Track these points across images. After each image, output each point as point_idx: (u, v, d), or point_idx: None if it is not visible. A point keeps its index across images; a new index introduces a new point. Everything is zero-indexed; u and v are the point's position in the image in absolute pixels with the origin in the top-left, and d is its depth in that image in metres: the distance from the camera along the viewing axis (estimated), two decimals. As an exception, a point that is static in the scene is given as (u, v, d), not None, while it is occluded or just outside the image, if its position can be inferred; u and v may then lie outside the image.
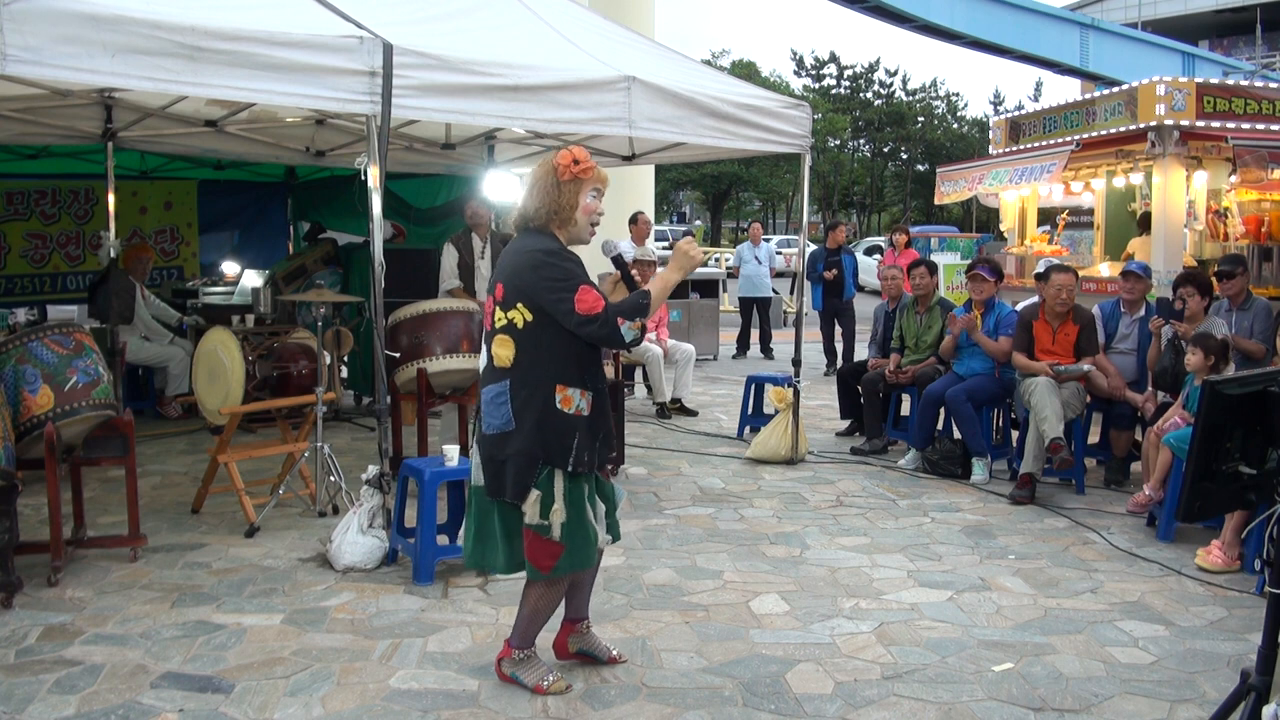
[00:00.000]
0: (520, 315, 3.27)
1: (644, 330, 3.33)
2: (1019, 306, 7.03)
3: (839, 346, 11.33)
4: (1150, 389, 6.18)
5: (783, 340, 12.94)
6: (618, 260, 3.56)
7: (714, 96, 5.99)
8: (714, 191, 48.99)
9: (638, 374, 9.14)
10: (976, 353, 6.76)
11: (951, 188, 12.04)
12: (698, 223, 52.69)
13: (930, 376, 6.98)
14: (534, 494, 3.28)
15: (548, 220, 3.35)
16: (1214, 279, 6.43)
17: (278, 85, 4.26)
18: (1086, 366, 6.22)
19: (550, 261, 3.25)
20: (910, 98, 50.71)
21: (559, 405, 3.28)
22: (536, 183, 3.36)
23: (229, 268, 10.11)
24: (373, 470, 4.75)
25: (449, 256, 6.82)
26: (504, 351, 3.30)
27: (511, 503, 3.33)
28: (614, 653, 3.72)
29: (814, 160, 7.11)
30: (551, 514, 3.28)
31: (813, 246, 11.82)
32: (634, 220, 10.12)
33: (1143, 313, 6.54)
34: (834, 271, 11.16)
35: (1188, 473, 2.66)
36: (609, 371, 6.35)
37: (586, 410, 3.34)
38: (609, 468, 3.50)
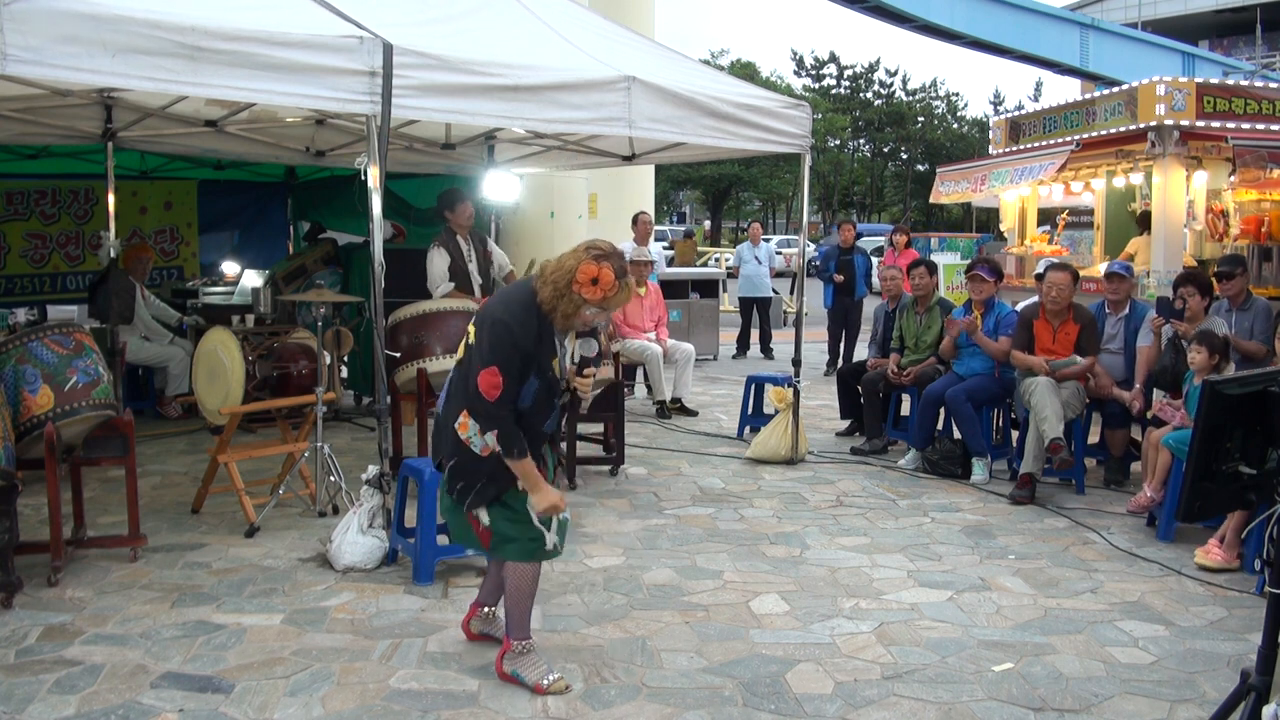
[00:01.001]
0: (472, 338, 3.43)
1: (496, 449, 3.37)
2: (1019, 306, 7.03)
3: (844, 348, 11.32)
4: (1138, 386, 6.19)
5: (783, 340, 12.94)
6: (584, 361, 3.55)
7: (714, 96, 5.99)
8: (714, 191, 49.01)
9: (638, 374, 9.14)
10: (976, 353, 6.76)
11: (951, 188, 12.04)
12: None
13: (930, 376, 6.98)
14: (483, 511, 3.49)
15: (550, 306, 3.37)
16: (1214, 279, 6.43)
17: (278, 85, 4.26)
18: (1079, 359, 6.22)
19: (498, 322, 3.32)
20: (910, 98, 50.75)
21: (462, 438, 3.45)
22: (560, 269, 3.36)
23: (229, 268, 10.11)
24: (373, 470, 4.75)
25: (440, 260, 6.57)
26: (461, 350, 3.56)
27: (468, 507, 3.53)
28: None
29: (814, 160, 7.11)
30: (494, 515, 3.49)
31: (812, 246, 11.82)
32: (635, 221, 10.16)
33: (1127, 311, 6.56)
34: (841, 278, 11.16)
35: (1188, 473, 2.66)
36: (608, 372, 6.34)
37: (483, 451, 3.42)
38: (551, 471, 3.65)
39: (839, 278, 11.15)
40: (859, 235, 12.11)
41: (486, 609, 3.89)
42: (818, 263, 12.66)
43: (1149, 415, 5.87)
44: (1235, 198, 9.66)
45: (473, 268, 6.68)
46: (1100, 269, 10.03)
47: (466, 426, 3.38)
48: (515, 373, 3.31)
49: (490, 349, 3.30)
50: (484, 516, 3.48)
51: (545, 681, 3.49)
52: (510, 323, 3.32)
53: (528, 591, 3.57)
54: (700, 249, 25.22)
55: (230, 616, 4.14)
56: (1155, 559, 5.03)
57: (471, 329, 3.44)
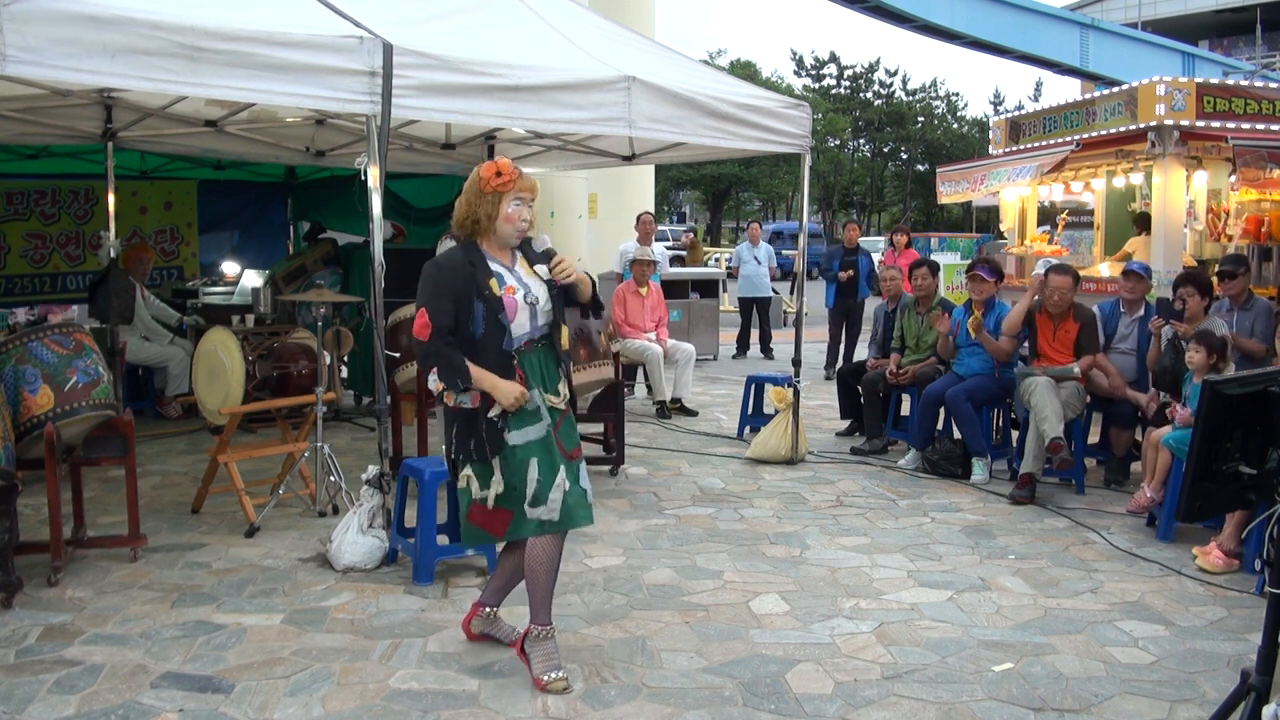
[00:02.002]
0: None
1: (447, 390, 3.48)
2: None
3: (844, 348, 11.32)
4: (1153, 389, 6.18)
5: (783, 340, 12.94)
6: (548, 254, 3.67)
7: (714, 96, 5.99)
8: (714, 191, 49.03)
9: (638, 374, 9.14)
10: (976, 352, 6.76)
11: (952, 188, 12.04)
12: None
13: (930, 376, 6.98)
14: (468, 470, 3.52)
15: (472, 228, 3.57)
16: (1215, 279, 6.43)
17: (278, 85, 4.26)
18: (1076, 369, 6.23)
19: (424, 271, 3.55)
20: (910, 98, 50.73)
21: (444, 399, 3.60)
22: (466, 190, 3.59)
23: (229, 268, 10.11)
24: (373, 470, 4.75)
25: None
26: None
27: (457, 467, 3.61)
28: (547, 679, 3.54)
29: (814, 160, 7.11)
30: (491, 483, 3.49)
31: (812, 246, 11.83)
32: (638, 221, 10.19)
33: (1142, 312, 6.55)
34: (850, 273, 11.16)
35: (1188, 473, 2.66)
36: (608, 372, 6.34)
37: (468, 404, 3.51)
38: (570, 449, 3.60)
39: (845, 274, 11.14)
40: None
41: (488, 609, 3.88)
42: (820, 262, 12.66)
43: (1168, 415, 5.79)
44: (1235, 198, 9.67)
45: None
46: (1100, 269, 10.05)
47: (441, 386, 3.50)
48: (448, 307, 3.46)
49: (419, 295, 3.51)
50: (473, 484, 3.48)
51: (546, 677, 3.50)
52: (432, 266, 3.55)
53: (541, 571, 3.54)
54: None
55: (230, 616, 4.14)
56: (1155, 559, 5.03)
57: None
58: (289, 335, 6.72)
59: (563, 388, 3.64)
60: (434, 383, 3.50)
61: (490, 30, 5.44)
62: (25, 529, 4.79)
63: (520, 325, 3.53)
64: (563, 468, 3.51)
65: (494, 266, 3.54)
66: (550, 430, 3.53)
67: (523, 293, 3.53)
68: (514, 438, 3.47)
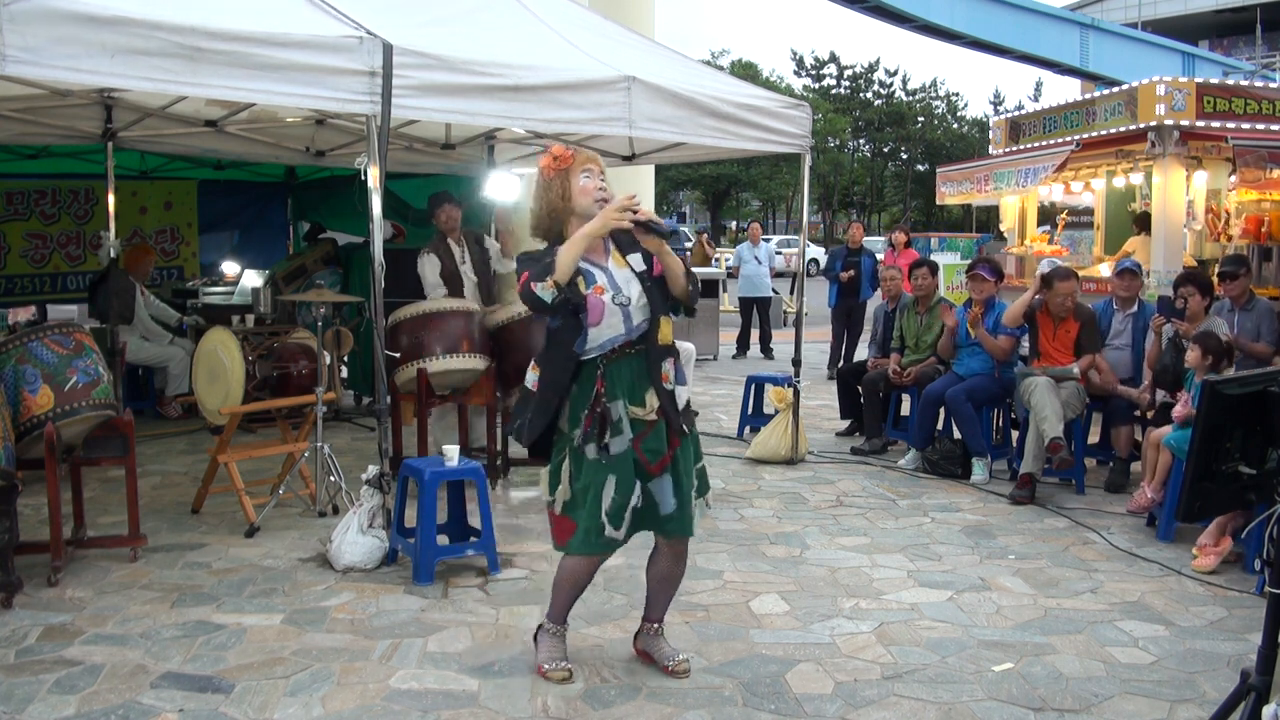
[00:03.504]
0: None
1: (559, 289, 3.24)
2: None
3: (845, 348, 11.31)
4: (1146, 383, 6.19)
5: (783, 340, 12.94)
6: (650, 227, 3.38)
7: (714, 96, 5.99)
8: (714, 192, 49.03)
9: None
10: (976, 352, 6.76)
11: (953, 189, 12.04)
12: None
13: (930, 376, 6.98)
14: (544, 471, 3.45)
15: (551, 222, 3.43)
16: (1216, 279, 6.43)
17: (278, 85, 4.26)
18: (1076, 370, 6.23)
19: (522, 260, 3.42)
20: (910, 98, 50.76)
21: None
22: (531, 191, 3.51)
23: (229, 268, 10.10)
24: (373, 470, 4.75)
25: (429, 267, 6.47)
26: None
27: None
28: (672, 663, 3.62)
29: (814, 160, 7.11)
30: (557, 492, 3.40)
31: (812, 246, 11.84)
32: None
33: (1135, 308, 6.57)
34: (850, 273, 11.16)
35: (1188, 473, 2.66)
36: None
37: (530, 385, 3.47)
38: (653, 462, 3.41)
39: (846, 274, 11.14)
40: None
41: (652, 624, 3.72)
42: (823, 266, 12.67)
43: (1173, 412, 5.78)
44: (1235, 198, 9.66)
45: (465, 269, 6.63)
46: (1100, 270, 10.05)
47: (529, 370, 3.48)
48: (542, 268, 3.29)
49: (519, 268, 3.36)
50: (544, 482, 3.42)
51: (548, 666, 3.55)
52: (525, 255, 3.42)
53: (568, 589, 3.56)
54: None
55: (230, 616, 4.14)
56: (1155, 559, 5.03)
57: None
58: (289, 335, 6.71)
59: (651, 398, 3.39)
60: (547, 290, 3.22)
61: (490, 31, 5.43)
62: (25, 529, 4.79)
63: (605, 331, 3.32)
64: (638, 485, 3.37)
65: (582, 264, 3.33)
66: (630, 445, 3.36)
67: (611, 294, 3.33)
68: (590, 451, 3.33)
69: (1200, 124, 8.86)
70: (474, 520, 4.80)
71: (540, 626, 3.69)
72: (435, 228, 6.71)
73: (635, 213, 3.26)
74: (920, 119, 50.20)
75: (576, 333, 3.32)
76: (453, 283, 6.50)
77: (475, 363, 5.96)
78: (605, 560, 3.54)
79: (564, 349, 3.34)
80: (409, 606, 4.26)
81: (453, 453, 4.72)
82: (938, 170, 13.07)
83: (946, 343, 6.94)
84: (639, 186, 13.68)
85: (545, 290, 3.23)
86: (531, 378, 3.46)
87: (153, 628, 4.00)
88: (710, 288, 13.11)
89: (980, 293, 6.85)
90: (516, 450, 6.67)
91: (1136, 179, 10.44)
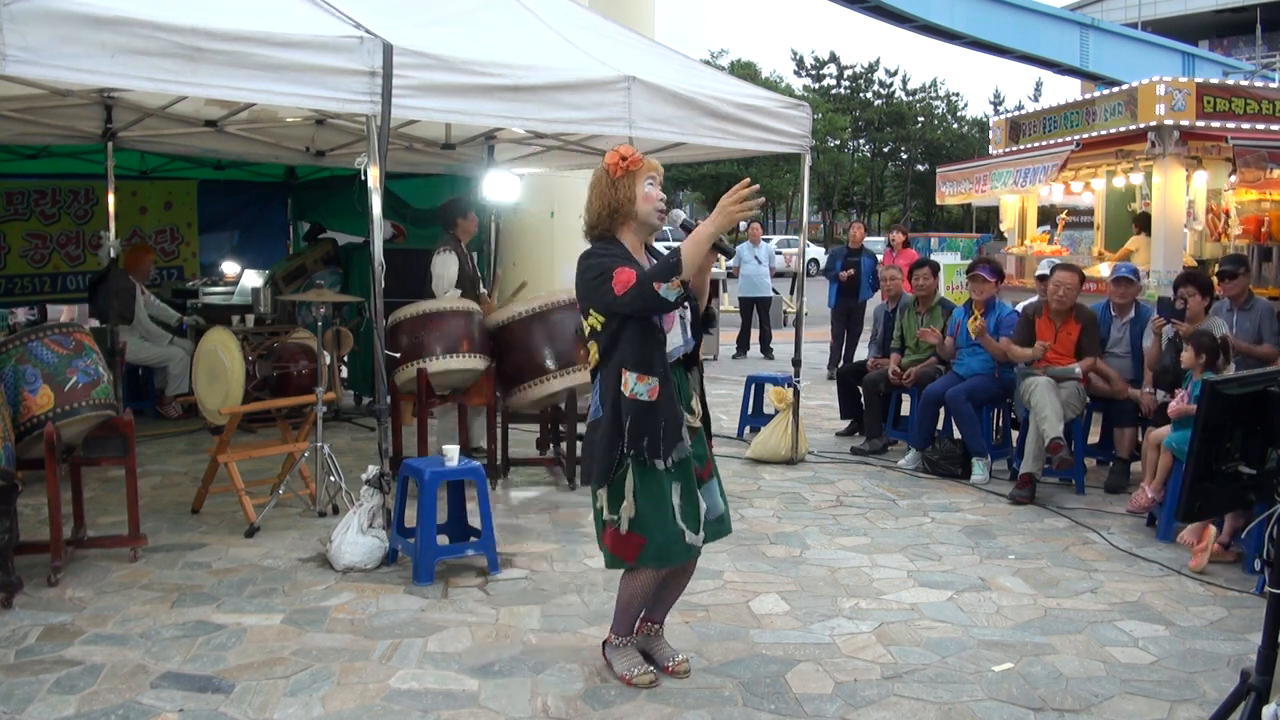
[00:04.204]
0: (595, 320, 3.36)
1: (686, 286, 3.22)
2: (1020, 306, 7.03)
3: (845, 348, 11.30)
4: (1148, 387, 6.18)
5: (783, 340, 12.94)
6: (686, 226, 3.44)
7: (714, 96, 5.99)
8: (714, 192, 48.99)
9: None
10: (976, 352, 6.76)
11: (953, 189, 12.05)
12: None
13: (930, 376, 6.98)
14: (603, 490, 3.36)
15: (610, 221, 3.38)
16: (1215, 279, 6.42)
17: (278, 85, 4.26)
18: (1078, 369, 6.23)
19: (588, 264, 3.31)
20: (910, 98, 50.76)
21: (622, 389, 3.30)
22: (593, 188, 3.42)
23: (229, 268, 10.10)
24: (373, 470, 4.75)
25: (452, 266, 6.50)
26: (594, 352, 3.41)
27: (594, 486, 3.43)
28: (672, 663, 3.64)
29: (814, 160, 7.11)
30: (621, 509, 3.33)
31: (812, 246, 11.84)
32: None
33: (1133, 315, 6.55)
34: (850, 272, 11.16)
35: (1188, 473, 2.66)
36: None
37: (646, 396, 3.28)
38: (700, 467, 3.44)
39: (846, 274, 11.13)
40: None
41: (653, 624, 3.73)
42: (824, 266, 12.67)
43: (1169, 408, 5.78)
44: (1235, 198, 9.67)
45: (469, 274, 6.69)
46: (1100, 269, 10.05)
47: (628, 382, 3.28)
48: (631, 263, 3.24)
49: (597, 275, 3.24)
50: (628, 488, 3.28)
51: (631, 673, 3.54)
52: (588, 252, 3.33)
53: (643, 596, 3.53)
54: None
55: (230, 616, 4.14)
56: (1155, 559, 5.03)
57: (577, 302, 3.42)
58: (289, 335, 6.71)
59: (696, 404, 3.45)
60: (674, 289, 3.14)
61: (490, 30, 5.43)
62: (25, 529, 4.79)
63: (674, 338, 3.33)
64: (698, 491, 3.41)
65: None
66: (690, 453, 3.38)
67: None
68: (666, 461, 3.30)
69: (1200, 124, 8.87)
70: (474, 520, 4.80)
71: (606, 642, 3.67)
72: (444, 229, 6.74)
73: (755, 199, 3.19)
74: (920, 119, 50.21)
75: (660, 340, 3.31)
76: (466, 285, 6.54)
77: (475, 363, 5.96)
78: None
79: (663, 356, 3.31)
80: (409, 606, 4.26)
81: (452, 453, 4.72)
82: (938, 170, 13.08)
83: (945, 346, 6.93)
84: (639, 186, 13.66)
85: (671, 290, 3.17)
86: (641, 388, 3.26)
87: (153, 628, 4.00)
88: (710, 288, 13.08)
89: (980, 293, 6.85)
90: (516, 450, 6.69)
91: (1136, 179, 10.45)
